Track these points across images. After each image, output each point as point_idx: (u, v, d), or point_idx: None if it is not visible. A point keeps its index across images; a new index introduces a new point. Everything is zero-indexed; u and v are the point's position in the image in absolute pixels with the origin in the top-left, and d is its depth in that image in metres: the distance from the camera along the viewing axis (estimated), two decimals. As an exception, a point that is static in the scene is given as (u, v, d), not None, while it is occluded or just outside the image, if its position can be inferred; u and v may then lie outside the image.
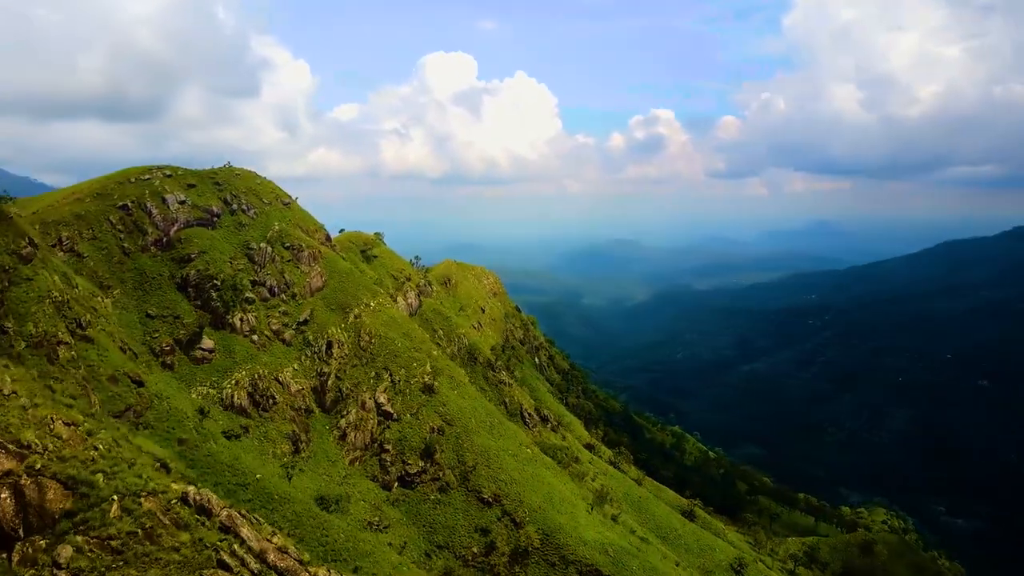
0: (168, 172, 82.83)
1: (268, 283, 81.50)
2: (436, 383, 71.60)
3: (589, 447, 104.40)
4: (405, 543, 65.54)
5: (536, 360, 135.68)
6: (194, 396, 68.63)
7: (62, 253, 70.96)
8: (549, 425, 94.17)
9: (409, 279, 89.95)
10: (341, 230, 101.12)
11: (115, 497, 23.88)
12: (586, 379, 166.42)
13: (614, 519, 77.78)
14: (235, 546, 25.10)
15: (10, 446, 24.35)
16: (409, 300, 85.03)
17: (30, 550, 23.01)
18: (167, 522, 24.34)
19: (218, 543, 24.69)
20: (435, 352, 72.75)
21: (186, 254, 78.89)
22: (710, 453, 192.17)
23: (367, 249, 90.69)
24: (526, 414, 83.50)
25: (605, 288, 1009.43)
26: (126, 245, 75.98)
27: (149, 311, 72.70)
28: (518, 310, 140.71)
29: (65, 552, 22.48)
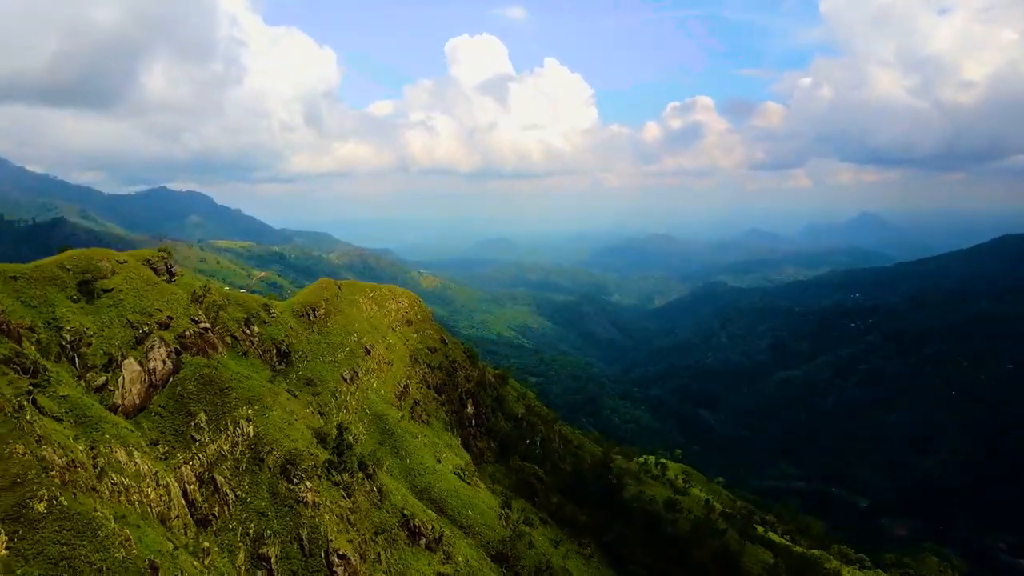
0: None
1: None
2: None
3: (501, 559, 71.12)
4: None
5: (466, 411, 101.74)
6: None
7: None
8: (424, 542, 61.10)
9: (169, 324, 56.61)
10: (64, 248, 66.75)
11: None
12: (551, 424, 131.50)
13: None
14: None
15: None
16: (152, 363, 52.11)
17: None
18: None
19: None
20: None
21: None
22: (716, 504, 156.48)
23: (92, 279, 56.67)
24: (335, 555, 50.43)
25: (637, 285, 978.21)
26: None
27: None
28: (443, 343, 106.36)
29: None
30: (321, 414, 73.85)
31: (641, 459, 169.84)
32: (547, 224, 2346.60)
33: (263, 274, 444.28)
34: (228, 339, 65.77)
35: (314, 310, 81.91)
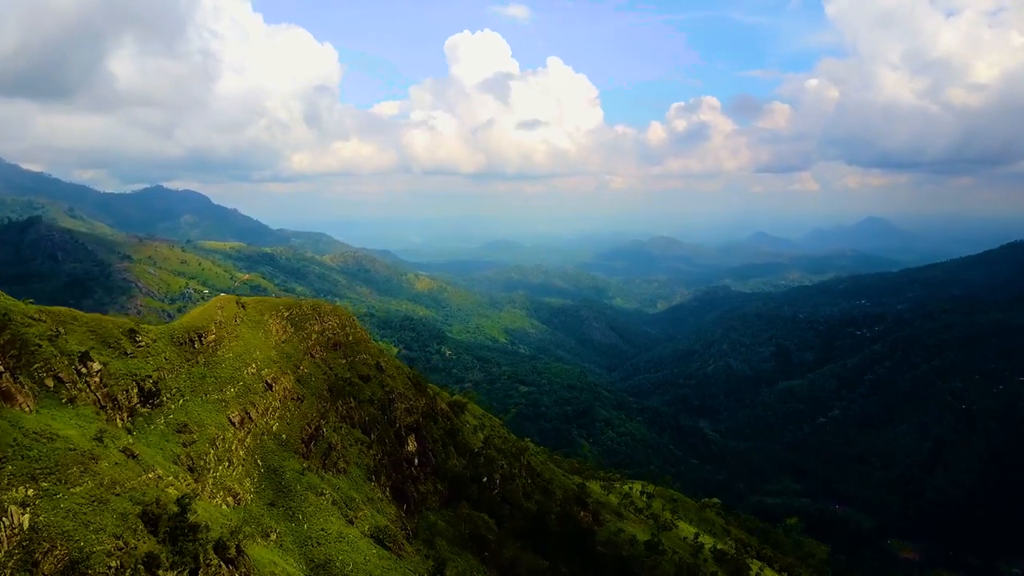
0: None
1: None
2: None
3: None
4: None
5: (406, 450, 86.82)
6: None
7: None
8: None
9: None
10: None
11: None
12: (516, 456, 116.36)
13: None
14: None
15: None
16: None
17: None
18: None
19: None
20: None
21: None
22: (706, 539, 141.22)
23: None
24: None
25: (640, 289, 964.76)
26: None
27: None
28: (379, 369, 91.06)
29: None
30: (192, 470, 58.60)
31: (626, 487, 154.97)
32: (553, 226, 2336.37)
33: (247, 276, 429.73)
34: (49, 382, 50.82)
35: (200, 336, 66.97)
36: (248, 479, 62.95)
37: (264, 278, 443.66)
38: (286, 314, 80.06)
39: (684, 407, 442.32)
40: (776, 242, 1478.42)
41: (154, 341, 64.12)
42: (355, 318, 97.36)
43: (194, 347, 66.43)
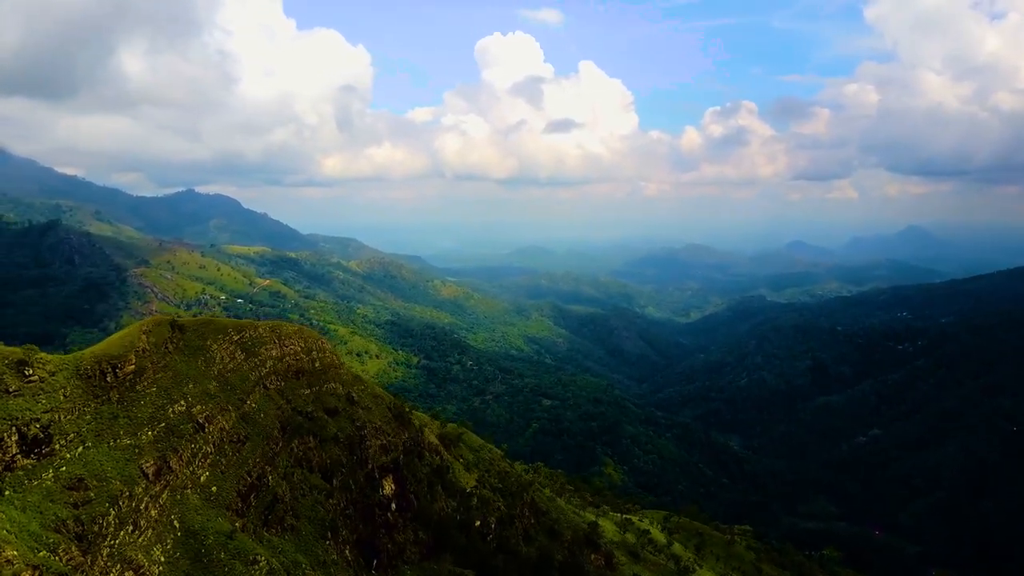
0: None
1: None
2: None
3: None
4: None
5: (382, 493, 75.12)
6: None
7: None
8: None
9: None
10: None
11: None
12: (517, 494, 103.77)
13: None
14: None
15: None
16: None
17: None
18: None
19: None
20: None
21: None
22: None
23: None
24: None
25: (672, 298, 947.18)
26: None
27: None
28: (350, 401, 79.06)
29: None
30: (81, 538, 46.78)
31: (644, 522, 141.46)
32: (584, 232, 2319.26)
33: (267, 282, 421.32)
34: None
35: (115, 366, 55.59)
36: (159, 546, 51.31)
37: (285, 284, 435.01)
38: (236, 338, 68.62)
39: (715, 422, 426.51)
40: (813, 251, 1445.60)
41: (51, 375, 52.80)
42: (324, 341, 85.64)
43: (106, 381, 55.07)
